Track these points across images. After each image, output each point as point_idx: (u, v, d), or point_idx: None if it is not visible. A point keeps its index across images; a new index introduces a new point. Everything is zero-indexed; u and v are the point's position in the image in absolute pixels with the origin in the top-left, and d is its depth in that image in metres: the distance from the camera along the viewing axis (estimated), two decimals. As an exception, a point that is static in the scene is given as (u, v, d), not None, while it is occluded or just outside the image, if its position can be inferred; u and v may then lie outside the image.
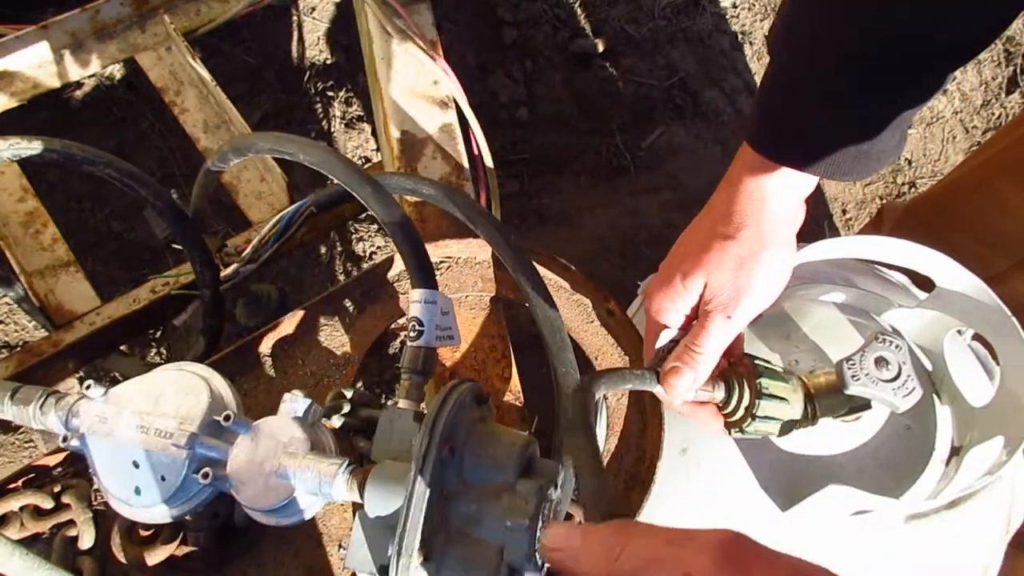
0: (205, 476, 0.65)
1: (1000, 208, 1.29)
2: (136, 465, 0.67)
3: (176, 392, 0.69)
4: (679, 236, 0.82)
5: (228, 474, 0.66)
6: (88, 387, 0.69)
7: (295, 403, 0.68)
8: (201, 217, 0.93)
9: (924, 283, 1.07)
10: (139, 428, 0.67)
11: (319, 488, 0.63)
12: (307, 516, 0.66)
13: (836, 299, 1.07)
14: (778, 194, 0.76)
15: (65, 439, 0.69)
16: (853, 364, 0.81)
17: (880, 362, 0.81)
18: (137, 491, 0.67)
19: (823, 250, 0.97)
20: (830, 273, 1.10)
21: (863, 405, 0.84)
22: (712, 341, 0.76)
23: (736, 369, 0.82)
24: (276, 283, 1.68)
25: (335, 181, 0.81)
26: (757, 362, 0.82)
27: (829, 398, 0.83)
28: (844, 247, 0.98)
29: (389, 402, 0.71)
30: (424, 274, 0.76)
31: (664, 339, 0.81)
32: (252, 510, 0.65)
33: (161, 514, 0.68)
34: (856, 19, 0.68)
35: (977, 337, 1.05)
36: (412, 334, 0.74)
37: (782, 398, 0.80)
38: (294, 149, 0.81)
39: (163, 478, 0.67)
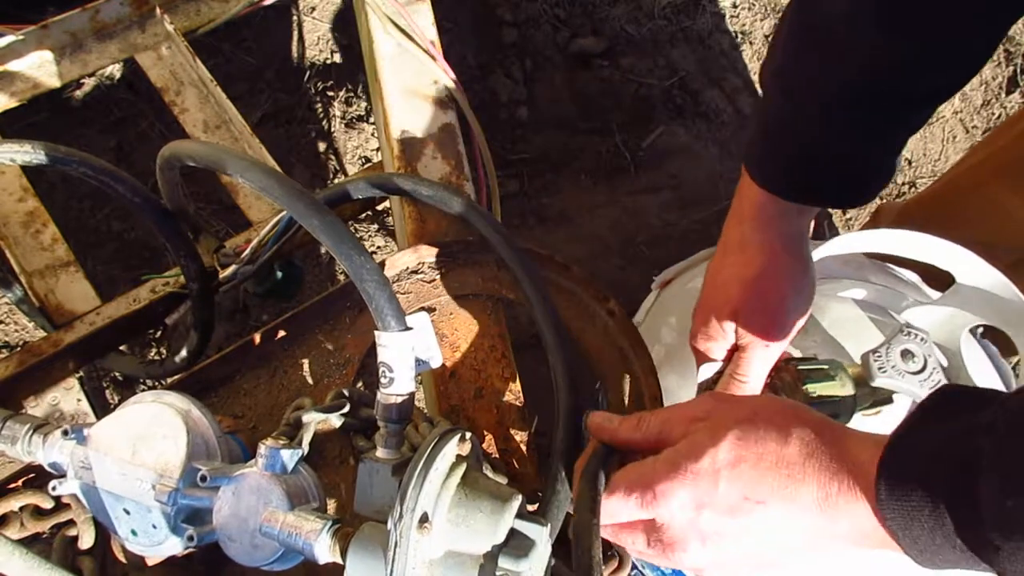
0: (190, 539, 0.65)
1: (995, 209, 1.29)
2: (127, 512, 0.67)
3: (154, 435, 0.68)
4: (705, 276, 0.86)
5: (215, 528, 0.66)
6: (65, 432, 0.69)
7: (273, 456, 0.66)
8: (183, 212, 0.93)
9: (932, 282, 1.07)
10: (122, 477, 0.67)
11: (302, 549, 0.62)
12: (298, 562, 0.66)
13: (855, 295, 1.07)
14: (788, 222, 0.79)
15: (54, 487, 0.69)
16: (879, 356, 0.82)
17: (906, 355, 0.82)
18: (134, 532, 0.68)
19: (846, 244, 0.97)
20: (848, 270, 1.10)
21: (885, 399, 0.85)
22: (754, 369, 0.80)
23: (782, 376, 0.83)
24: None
25: (332, 187, 0.79)
26: (801, 367, 0.82)
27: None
28: (867, 241, 0.98)
29: (364, 457, 0.68)
30: (389, 314, 0.67)
31: (706, 373, 0.83)
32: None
33: (163, 551, 0.68)
34: (851, 61, 0.70)
35: (985, 334, 1.05)
36: (383, 380, 0.68)
37: (830, 397, 0.81)
38: (235, 168, 0.73)
39: (154, 526, 0.67)
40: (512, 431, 0.86)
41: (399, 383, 0.68)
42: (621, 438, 0.66)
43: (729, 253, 0.82)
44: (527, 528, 0.62)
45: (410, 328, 0.69)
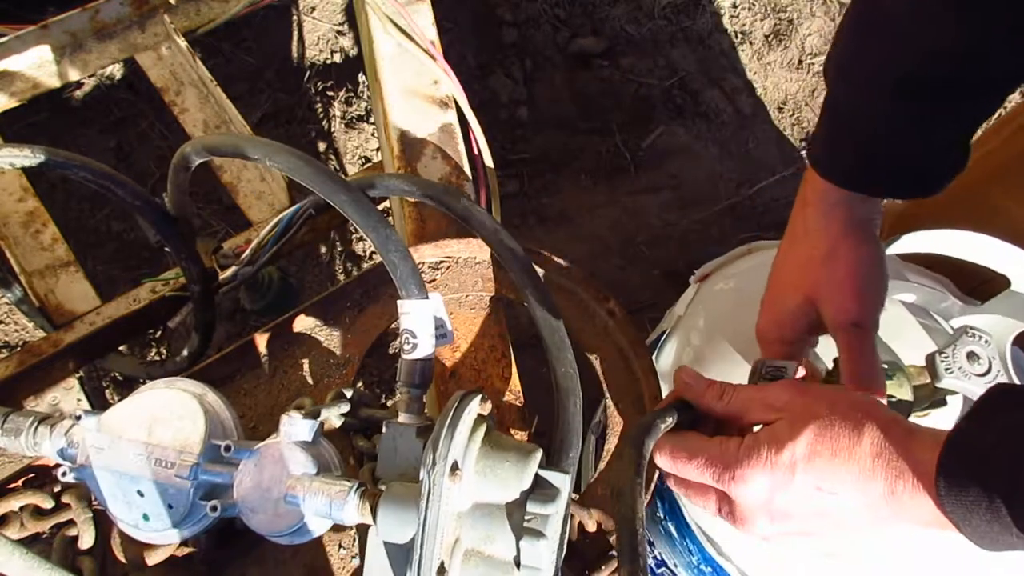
0: (214, 509, 0.65)
1: (989, 212, 1.28)
2: (141, 494, 0.67)
3: (171, 417, 0.68)
4: (773, 267, 0.86)
5: (236, 501, 0.66)
6: (79, 417, 0.69)
7: (296, 426, 0.66)
8: (185, 215, 0.93)
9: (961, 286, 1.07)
10: (138, 458, 0.67)
11: (330, 512, 0.63)
12: (318, 534, 0.66)
13: (906, 298, 1.06)
14: (851, 208, 0.79)
15: (64, 473, 0.69)
16: (946, 357, 0.82)
17: (971, 356, 0.82)
18: (145, 517, 0.67)
19: (904, 245, 0.96)
20: (895, 272, 1.10)
21: (939, 401, 0.85)
22: (864, 352, 0.79)
23: (838, 371, 0.83)
24: (277, 265, 1.67)
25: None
26: None
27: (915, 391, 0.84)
28: (924, 242, 0.97)
29: (388, 422, 0.69)
30: (413, 284, 0.71)
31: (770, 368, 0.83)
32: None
33: (173, 536, 0.68)
34: (916, 46, 0.70)
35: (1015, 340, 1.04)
36: (407, 347, 0.71)
37: (889, 397, 0.81)
38: (261, 153, 0.76)
39: (170, 506, 0.66)
40: (512, 431, 0.86)
41: (422, 348, 0.70)
42: (704, 403, 0.71)
43: (795, 241, 0.83)
44: (551, 476, 0.63)
45: (429, 297, 0.72)
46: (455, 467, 0.59)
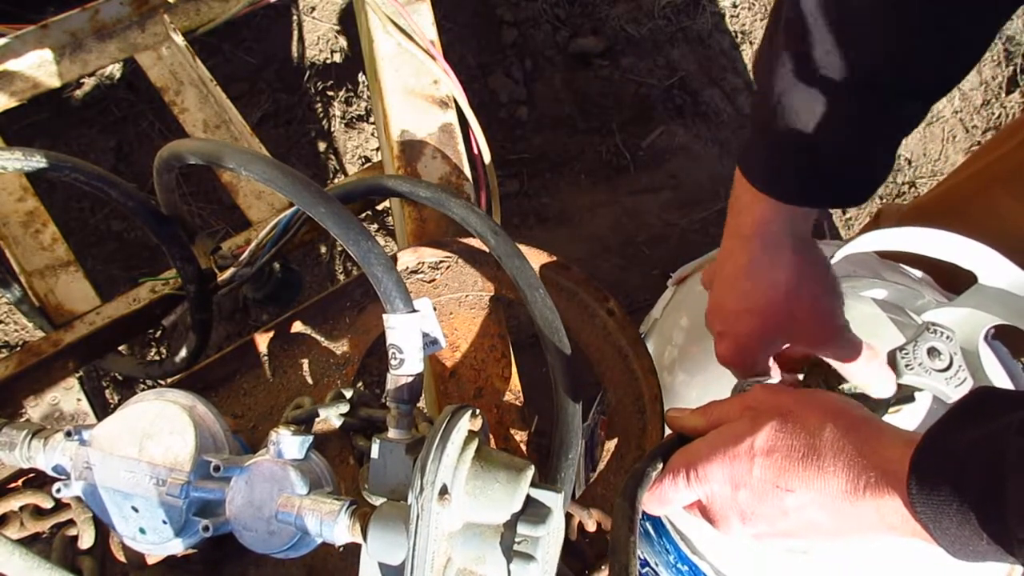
0: (206, 529, 0.65)
1: (996, 218, 1.28)
2: (135, 509, 0.67)
3: (161, 432, 0.68)
4: (727, 302, 0.82)
5: (228, 518, 0.66)
6: (69, 433, 0.68)
7: (285, 443, 0.66)
8: (179, 215, 0.93)
9: (939, 281, 1.07)
10: (130, 475, 0.67)
11: (320, 531, 0.63)
12: (314, 547, 0.66)
13: (876, 295, 1.06)
14: (793, 229, 0.77)
15: (59, 490, 0.69)
16: (907, 354, 0.82)
17: (932, 352, 0.82)
18: (142, 531, 0.67)
19: (871, 242, 0.96)
20: (862, 269, 1.10)
21: (907, 398, 0.85)
22: (849, 350, 0.79)
23: (815, 372, 0.84)
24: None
25: (333, 185, 0.79)
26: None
27: None
28: (892, 239, 0.98)
29: (377, 438, 0.68)
30: (397, 297, 0.69)
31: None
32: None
33: (172, 547, 0.68)
34: (876, 44, 0.68)
35: (996, 334, 1.04)
36: (393, 362, 0.69)
37: (865, 393, 0.82)
38: (237, 162, 0.74)
39: (164, 521, 0.66)
40: (512, 431, 0.86)
41: (409, 364, 0.69)
42: (691, 426, 0.71)
43: (747, 277, 0.78)
44: (543, 496, 0.63)
45: (417, 310, 0.70)
46: (444, 491, 0.58)
